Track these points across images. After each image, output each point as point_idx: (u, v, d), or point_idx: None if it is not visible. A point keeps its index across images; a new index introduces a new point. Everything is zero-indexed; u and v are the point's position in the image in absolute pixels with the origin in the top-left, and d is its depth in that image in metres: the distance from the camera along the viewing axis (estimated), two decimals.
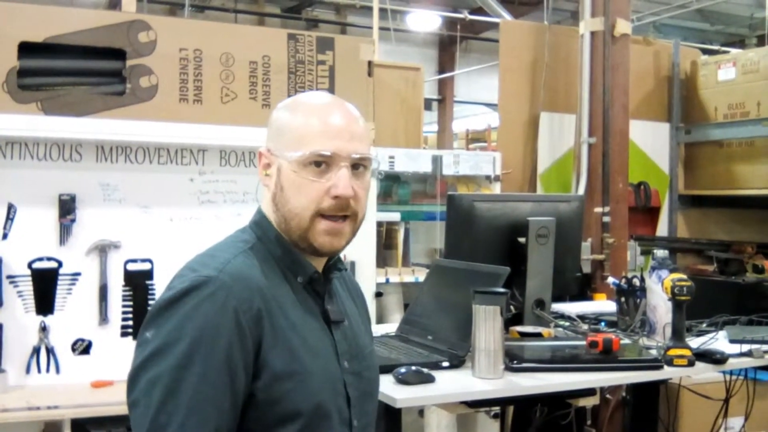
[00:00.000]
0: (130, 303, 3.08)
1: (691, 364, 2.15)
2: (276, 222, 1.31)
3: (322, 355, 1.29)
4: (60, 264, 2.98)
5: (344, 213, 1.28)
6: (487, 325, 1.96)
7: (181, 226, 3.11)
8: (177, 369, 1.15)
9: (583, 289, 3.35)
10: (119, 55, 3.09)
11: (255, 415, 1.20)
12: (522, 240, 2.51)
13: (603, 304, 2.89)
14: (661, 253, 2.42)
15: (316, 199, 1.27)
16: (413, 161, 3.65)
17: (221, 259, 1.24)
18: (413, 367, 1.94)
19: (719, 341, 2.43)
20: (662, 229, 4.38)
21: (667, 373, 2.16)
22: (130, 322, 3.08)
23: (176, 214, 3.13)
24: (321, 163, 1.26)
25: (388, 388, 1.88)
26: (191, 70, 3.14)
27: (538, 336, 2.33)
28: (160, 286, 3.07)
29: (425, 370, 1.95)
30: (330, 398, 1.28)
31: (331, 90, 3.35)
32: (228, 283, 1.20)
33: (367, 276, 3.45)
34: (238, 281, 1.21)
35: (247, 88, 3.21)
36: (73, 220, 2.98)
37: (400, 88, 3.99)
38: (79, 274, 3.01)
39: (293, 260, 1.31)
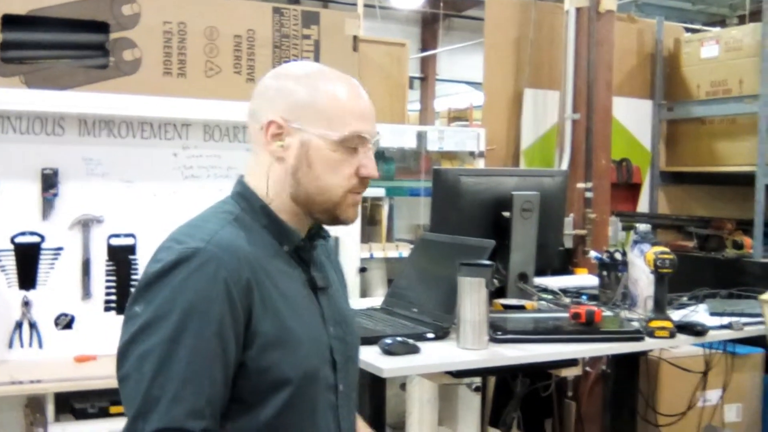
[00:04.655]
0: (113, 278, 3.08)
1: (672, 335, 2.18)
2: (278, 192, 1.31)
3: (310, 322, 1.30)
4: (42, 238, 2.97)
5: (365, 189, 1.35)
6: (472, 297, 1.98)
7: (164, 201, 3.11)
8: (169, 342, 1.14)
9: (566, 264, 3.38)
10: (102, 28, 3.06)
11: (246, 384, 1.21)
12: (506, 214, 2.53)
13: (585, 278, 2.92)
14: (643, 227, 2.45)
15: (349, 177, 1.30)
16: (398, 137, 3.65)
17: (207, 230, 1.23)
18: (399, 338, 1.96)
19: (700, 314, 2.46)
20: (643, 206, 4.41)
21: (648, 344, 2.19)
22: (113, 297, 3.08)
23: (160, 188, 3.12)
24: (356, 144, 1.30)
25: (374, 358, 1.90)
26: (175, 43, 3.12)
27: (521, 308, 2.35)
28: (143, 261, 3.07)
29: (410, 341, 1.97)
30: (318, 364, 1.29)
31: None
32: (217, 254, 1.19)
33: (352, 251, 3.47)
34: (227, 252, 1.20)
35: (231, 62, 3.20)
36: (55, 195, 2.96)
37: (384, 64, 3.98)
38: (61, 248, 3.00)
39: (279, 229, 1.31)
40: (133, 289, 3.11)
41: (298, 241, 1.33)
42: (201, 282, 1.17)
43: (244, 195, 1.33)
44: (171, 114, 3.08)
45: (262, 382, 1.21)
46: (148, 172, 3.11)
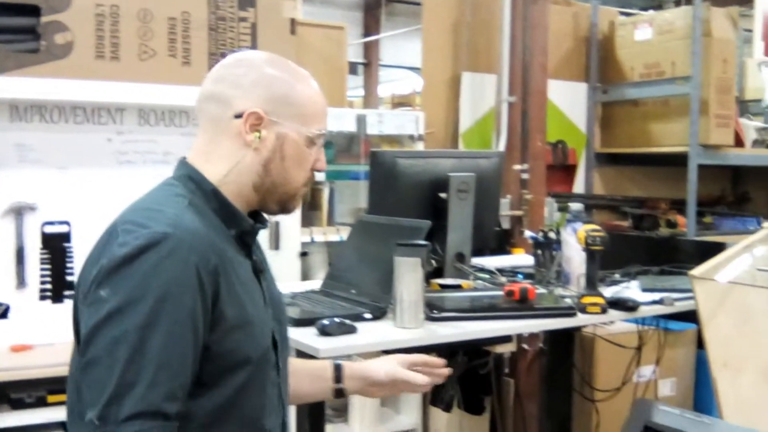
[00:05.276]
0: (48, 266, 3.03)
1: (603, 311, 2.23)
2: (239, 179, 1.35)
3: (258, 304, 1.35)
4: None
5: None
6: (408, 276, 2.00)
7: (99, 188, 3.06)
8: (143, 327, 1.15)
9: (503, 244, 3.43)
10: (33, 11, 2.99)
11: (206, 366, 1.22)
12: (443, 195, 2.56)
13: (521, 258, 2.97)
14: (575, 206, 2.50)
15: (309, 170, 1.40)
16: (337, 121, 3.64)
17: (170, 215, 1.24)
18: (336, 319, 1.97)
19: (632, 290, 2.53)
20: (579, 187, 4.48)
21: (580, 320, 2.24)
22: (49, 286, 3.03)
23: (94, 175, 3.07)
24: (318, 140, 1.40)
25: (311, 339, 1.91)
26: (108, 26, 3.06)
27: (458, 288, 2.39)
28: (78, 249, 3.03)
29: (348, 321, 1.99)
30: (268, 345, 1.35)
31: (254, 48, 3.32)
32: (186, 239, 1.20)
33: (292, 236, 3.47)
34: (194, 237, 1.22)
35: (166, 45, 3.15)
36: None
37: (323, 48, 3.97)
38: None
39: (229, 214, 1.34)
40: (69, 278, 3.08)
41: (247, 226, 1.37)
42: (173, 267, 1.18)
43: (193, 178, 1.34)
44: (104, 98, 3.03)
45: (223, 363, 1.24)
46: (82, 158, 3.06)
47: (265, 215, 1.44)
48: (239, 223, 1.36)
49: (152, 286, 1.16)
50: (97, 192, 3.04)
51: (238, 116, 1.32)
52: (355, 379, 1.67)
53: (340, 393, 1.68)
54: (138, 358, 1.14)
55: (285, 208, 1.42)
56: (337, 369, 1.67)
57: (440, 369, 1.72)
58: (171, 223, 1.21)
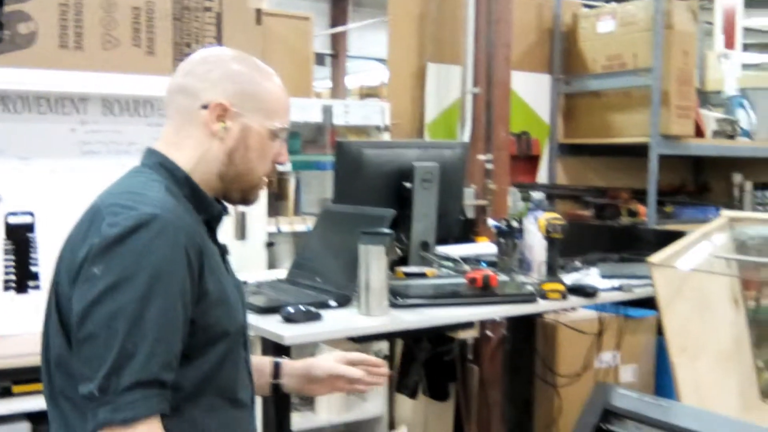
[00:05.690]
0: (12, 257, 3.00)
1: (564, 297, 2.29)
2: (206, 168, 1.41)
3: (230, 284, 1.43)
4: None
5: None
6: (373, 264, 2.03)
7: (63, 178, 3.03)
8: (140, 300, 1.21)
9: (467, 233, 3.47)
10: None
11: (191, 340, 1.29)
12: (408, 185, 2.59)
13: (485, 246, 3.01)
14: (537, 195, 2.56)
15: (270, 163, 1.47)
16: (303, 111, 3.65)
17: (153, 198, 1.30)
18: (301, 307, 2.00)
19: (592, 278, 2.58)
20: (542, 177, 4.53)
21: (541, 306, 2.29)
22: (13, 277, 3.00)
23: (58, 165, 3.05)
24: (280, 134, 1.47)
25: (276, 326, 1.93)
26: (71, 16, 3.04)
27: (422, 276, 2.42)
28: (42, 240, 3.01)
29: (312, 309, 2.01)
30: (242, 321, 1.46)
31: (219, 38, 3.32)
32: (173, 220, 1.27)
33: (259, 226, 3.47)
34: (179, 219, 1.30)
35: (130, 34, 3.13)
36: None
37: (289, 38, 3.97)
38: None
39: (200, 200, 1.42)
40: (33, 268, 3.06)
41: (216, 211, 1.46)
42: (164, 246, 1.24)
43: (165, 165, 1.40)
44: (68, 88, 3.01)
45: (205, 336, 1.32)
46: (46, 149, 3.03)
47: (227, 204, 1.51)
48: (208, 209, 1.43)
49: (145, 263, 1.22)
50: (61, 182, 3.02)
51: (205, 107, 1.40)
52: (293, 376, 1.72)
53: (277, 389, 1.73)
54: (136, 330, 1.20)
55: (246, 198, 1.49)
56: (276, 366, 1.72)
57: (379, 369, 1.76)
58: (157, 204, 1.28)
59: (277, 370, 1.72)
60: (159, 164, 1.40)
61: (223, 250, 1.47)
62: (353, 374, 1.70)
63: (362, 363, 1.74)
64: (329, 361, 1.73)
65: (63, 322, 1.30)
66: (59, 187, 3.01)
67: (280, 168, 3.65)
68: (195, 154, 1.41)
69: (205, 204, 1.42)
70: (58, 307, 1.31)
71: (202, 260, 1.31)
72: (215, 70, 1.42)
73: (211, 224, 1.45)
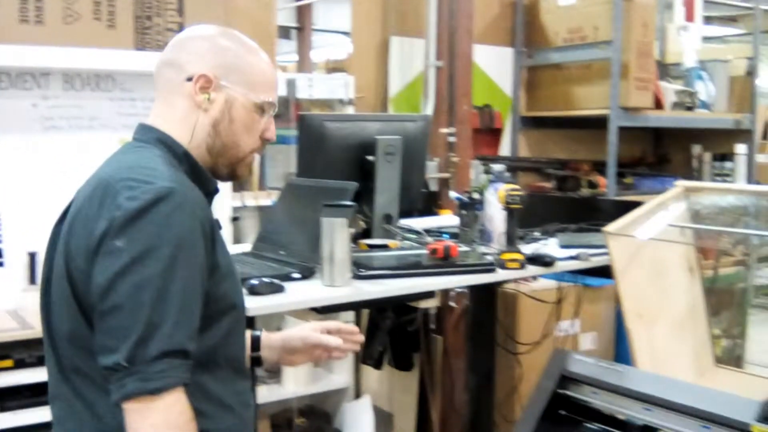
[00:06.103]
0: None
1: (522, 266, 2.34)
2: (199, 141, 1.44)
3: (230, 258, 1.47)
4: None
5: None
6: (335, 236, 2.07)
7: (25, 154, 3.02)
8: (164, 271, 1.23)
9: (430, 206, 3.51)
10: None
11: (205, 311, 1.33)
12: (371, 158, 2.62)
13: (447, 219, 3.06)
14: (497, 167, 2.60)
15: (257, 139, 1.49)
16: None
17: (165, 172, 1.32)
18: (264, 279, 2.03)
19: (551, 247, 2.64)
20: (505, 149, 4.59)
21: (500, 275, 2.35)
22: None
23: (20, 141, 3.03)
24: (267, 109, 1.48)
25: None
26: None
27: (384, 247, 2.46)
28: (6, 216, 2.99)
29: (276, 281, 2.04)
30: (243, 294, 1.53)
31: (181, 11, 3.31)
32: (188, 194, 1.31)
33: (224, 201, 3.49)
34: (192, 192, 1.34)
35: (91, 8, 3.11)
36: None
37: (252, 11, 3.95)
38: None
39: (199, 175, 1.44)
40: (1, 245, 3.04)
41: (213, 187, 1.49)
42: (183, 219, 1.27)
43: (164, 141, 1.43)
44: (29, 63, 2.99)
45: (216, 308, 1.36)
46: (7, 125, 3.01)
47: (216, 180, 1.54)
48: (206, 184, 1.46)
49: (168, 235, 1.25)
50: (23, 158, 3.01)
51: (190, 79, 1.43)
52: (272, 348, 1.76)
53: (257, 362, 1.76)
54: (161, 301, 1.23)
55: (234, 173, 1.50)
56: (255, 339, 1.76)
57: (355, 336, 1.81)
58: (172, 179, 1.31)
59: (256, 342, 1.75)
60: (157, 140, 1.43)
61: (219, 225, 1.49)
62: (331, 342, 1.74)
63: (339, 331, 1.78)
64: (306, 330, 1.77)
65: (78, 297, 1.31)
66: (21, 163, 2.99)
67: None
68: (187, 128, 1.43)
69: (203, 179, 1.45)
70: (71, 282, 1.31)
71: (213, 234, 1.35)
72: (202, 45, 1.45)
73: (208, 199, 1.47)
